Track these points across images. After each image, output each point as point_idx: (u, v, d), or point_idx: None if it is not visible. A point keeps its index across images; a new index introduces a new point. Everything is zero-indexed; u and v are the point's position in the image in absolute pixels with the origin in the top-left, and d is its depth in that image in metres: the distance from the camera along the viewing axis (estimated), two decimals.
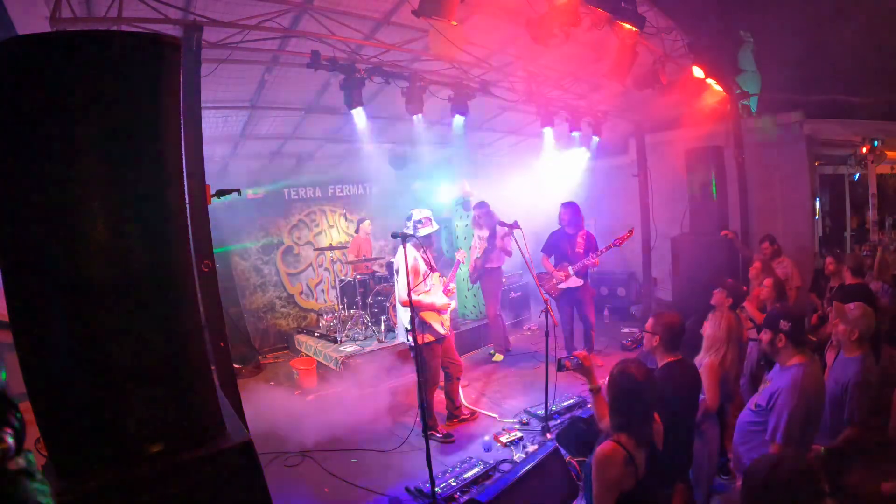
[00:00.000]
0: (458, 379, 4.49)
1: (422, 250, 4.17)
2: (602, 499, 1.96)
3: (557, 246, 5.75)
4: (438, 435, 4.19)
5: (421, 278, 4.09)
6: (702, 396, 3.01)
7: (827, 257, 5.01)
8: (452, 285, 4.47)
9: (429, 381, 4.16)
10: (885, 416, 2.87)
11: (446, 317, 4.27)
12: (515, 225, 4.59)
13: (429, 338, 4.12)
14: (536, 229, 6.58)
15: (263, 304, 7.44)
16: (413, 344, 4.03)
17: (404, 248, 3.27)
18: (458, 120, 5.52)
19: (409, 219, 4.15)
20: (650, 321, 2.76)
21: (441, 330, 4.19)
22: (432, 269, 4.25)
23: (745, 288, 4.12)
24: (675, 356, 2.71)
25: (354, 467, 3.89)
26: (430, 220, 4.17)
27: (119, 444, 1.47)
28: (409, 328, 3.91)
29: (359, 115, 4.99)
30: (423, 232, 4.09)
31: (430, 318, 4.12)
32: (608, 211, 8.57)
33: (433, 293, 4.18)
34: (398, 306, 4.28)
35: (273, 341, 7.40)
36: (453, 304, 4.43)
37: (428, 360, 4.14)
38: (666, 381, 2.59)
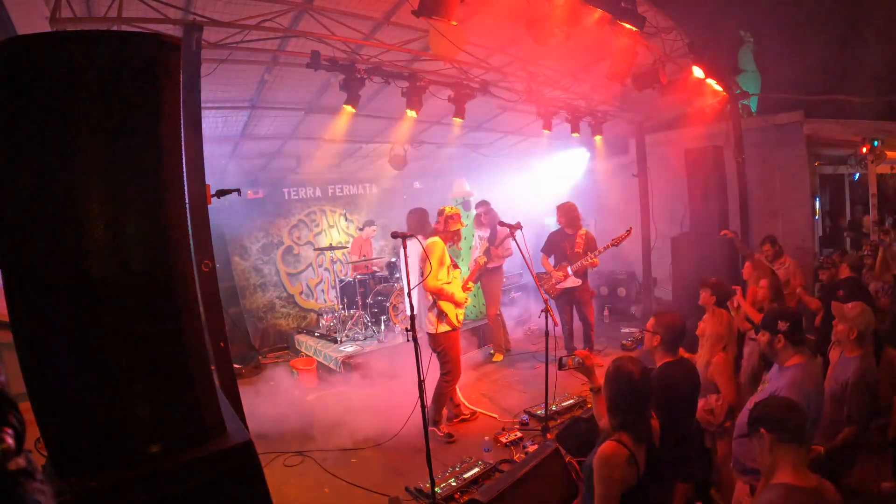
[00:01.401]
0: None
1: (448, 245, 4.30)
2: (607, 498, 1.95)
3: (557, 246, 5.75)
4: (440, 434, 4.20)
5: (446, 270, 4.20)
6: (711, 395, 3.02)
7: (819, 271, 5.05)
8: (472, 284, 4.57)
9: (451, 371, 4.25)
10: (887, 417, 2.88)
11: (461, 311, 4.35)
12: (518, 226, 4.59)
13: (445, 327, 4.19)
14: (536, 229, 6.60)
15: (263, 304, 7.44)
16: (428, 335, 4.20)
17: (404, 246, 3.26)
18: (457, 121, 5.52)
19: (440, 214, 4.30)
20: (651, 320, 2.77)
21: (456, 323, 4.26)
22: (454, 266, 4.37)
23: (736, 287, 4.13)
24: (674, 356, 2.71)
25: (354, 467, 3.89)
26: (459, 216, 4.34)
27: (119, 444, 1.47)
28: (428, 318, 4.16)
29: (345, 114, 4.93)
30: (453, 227, 4.26)
31: (448, 308, 4.20)
32: (608, 211, 8.57)
33: (454, 287, 4.27)
34: (418, 295, 4.29)
35: (273, 341, 7.40)
36: (470, 300, 4.58)
37: (447, 349, 4.21)
38: (664, 381, 2.59)
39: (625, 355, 2.24)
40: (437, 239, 4.20)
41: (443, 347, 4.20)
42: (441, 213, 4.31)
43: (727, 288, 3.88)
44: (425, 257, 3.96)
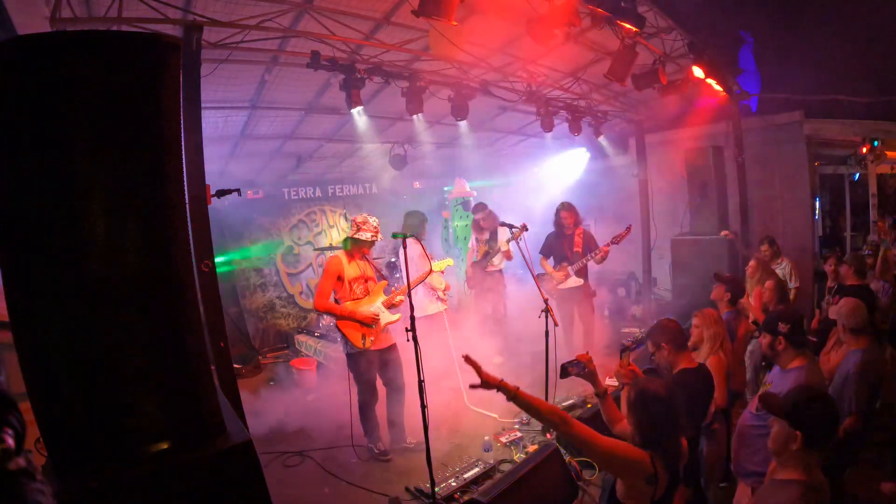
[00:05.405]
0: (400, 402, 4.05)
1: (359, 256, 3.96)
2: (604, 450, 1.87)
3: (555, 247, 5.74)
4: (376, 450, 3.97)
5: (347, 286, 3.85)
6: None
7: (828, 258, 5.01)
8: (399, 298, 4.01)
9: (359, 395, 3.96)
10: (887, 417, 2.87)
11: (367, 331, 3.86)
12: (524, 227, 4.54)
13: (349, 349, 3.87)
14: (536, 229, 6.58)
15: (263, 304, 7.44)
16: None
17: (404, 246, 3.23)
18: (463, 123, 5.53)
19: (352, 223, 3.96)
20: (649, 343, 2.73)
21: (361, 343, 3.82)
22: (366, 279, 3.96)
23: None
24: (690, 362, 2.68)
25: (354, 467, 3.89)
26: (367, 224, 3.89)
27: (119, 444, 1.47)
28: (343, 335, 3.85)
29: (359, 115, 5.00)
30: (363, 237, 3.86)
31: (347, 328, 3.82)
32: (608, 211, 8.56)
33: (364, 302, 3.89)
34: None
35: (273, 341, 7.40)
36: (390, 317, 3.95)
37: (352, 372, 3.92)
38: (681, 388, 2.55)
39: (647, 378, 2.11)
40: (337, 254, 3.92)
41: (350, 370, 3.92)
42: (353, 221, 3.94)
43: (742, 285, 3.88)
44: (423, 255, 3.86)
